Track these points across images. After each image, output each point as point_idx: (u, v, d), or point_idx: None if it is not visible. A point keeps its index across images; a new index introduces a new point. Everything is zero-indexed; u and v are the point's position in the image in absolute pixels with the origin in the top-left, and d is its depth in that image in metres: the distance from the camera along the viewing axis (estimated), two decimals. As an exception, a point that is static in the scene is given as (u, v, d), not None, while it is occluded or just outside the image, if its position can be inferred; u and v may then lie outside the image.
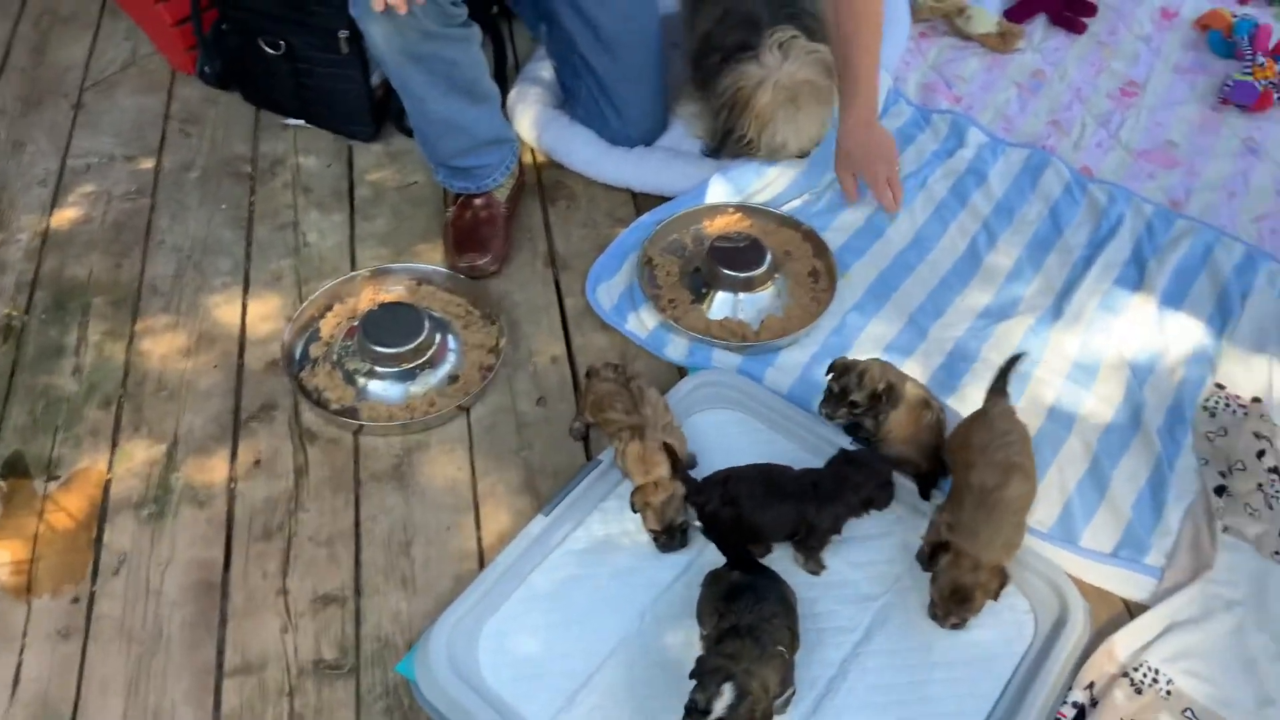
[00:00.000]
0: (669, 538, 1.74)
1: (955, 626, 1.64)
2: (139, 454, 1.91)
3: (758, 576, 1.60)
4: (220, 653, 1.67)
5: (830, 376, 1.85)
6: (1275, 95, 2.59)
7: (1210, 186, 2.44)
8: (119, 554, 1.77)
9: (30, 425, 1.95)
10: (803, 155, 2.35)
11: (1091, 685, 1.65)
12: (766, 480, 1.72)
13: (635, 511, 1.74)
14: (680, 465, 1.74)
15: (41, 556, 1.77)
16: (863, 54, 2.18)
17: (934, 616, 1.65)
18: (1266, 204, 2.40)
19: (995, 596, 1.63)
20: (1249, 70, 2.61)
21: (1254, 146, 2.53)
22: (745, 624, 1.51)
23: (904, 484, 1.82)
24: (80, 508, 1.83)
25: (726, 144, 2.33)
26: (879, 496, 1.71)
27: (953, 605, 1.60)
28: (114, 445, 1.92)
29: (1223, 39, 2.75)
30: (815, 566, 1.75)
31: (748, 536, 1.72)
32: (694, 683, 1.44)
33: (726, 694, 1.41)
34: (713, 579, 1.63)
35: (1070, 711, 1.63)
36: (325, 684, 1.63)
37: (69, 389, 2.01)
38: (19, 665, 1.64)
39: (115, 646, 1.67)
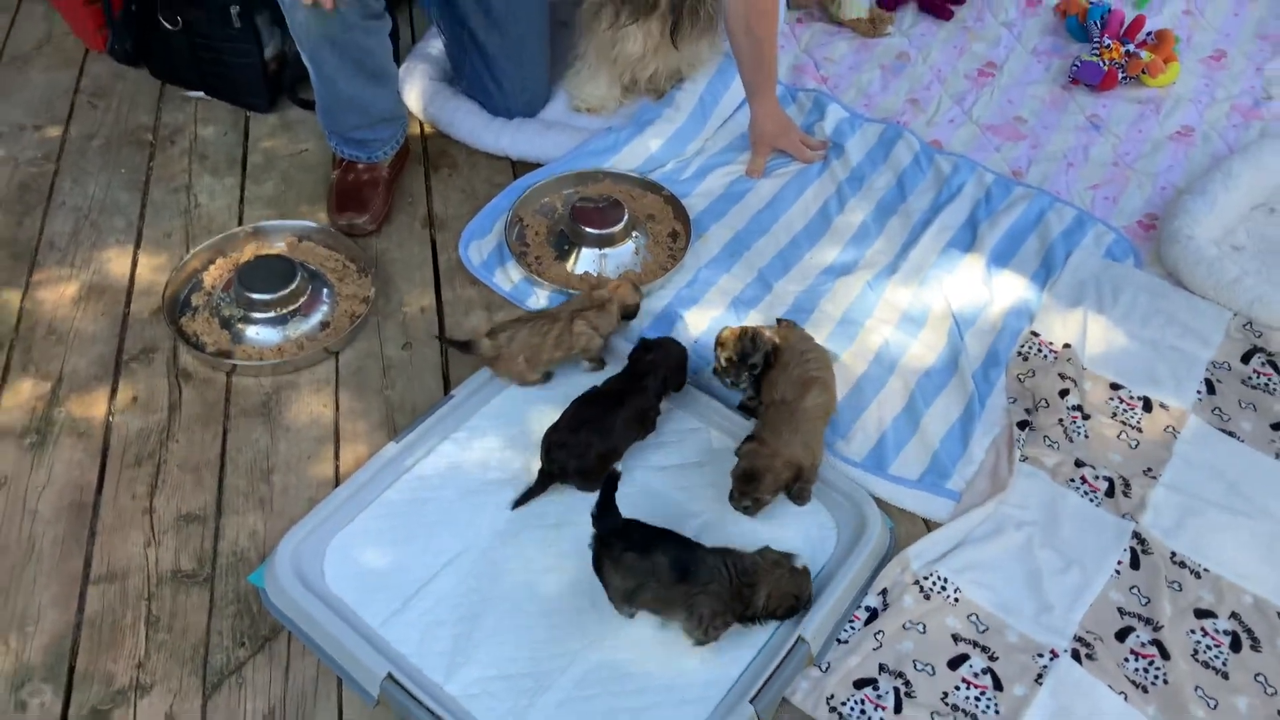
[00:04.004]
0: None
1: (747, 510, 1.80)
2: (26, 390, 2.05)
3: (644, 538, 1.70)
4: (87, 564, 1.81)
5: (720, 349, 1.97)
6: (1120, 75, 2.78)
7: (1051, 157, 2.62)
8: (1, 476, 1.91)
9: (-75, 365, 2.09)
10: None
11: (885, 591, 1.82)
12: (600, 407, 1.89)
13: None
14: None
15: (-73, 480, 1.91)
16: (770, 49, 2.43)
17: (731, 499, 1.81)
18: (1103, 174, 2.58)
19: (789, 489, 1.81)
20: (1096, 51, 2.80)
21: (1098, 123, 2.72)
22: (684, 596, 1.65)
23: (733, 419, 1.99)
24: (-34, 437, 1.97)
25: None
26: (672, 379, 1.95)
27: (744, 485, 1.77)
28: (3, 383, 2.07)
29: (1079, 23, 2.94)
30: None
31: (611, 460, 1.89)
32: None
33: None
34: (617, 561, 1.69)
35: (864, 614, 1.79)
36: (182, 590, 1.78)
37: (-36, 333, 2.15)
38: (-102, 573, 1.78)
39: (-11, 559, 1.81)
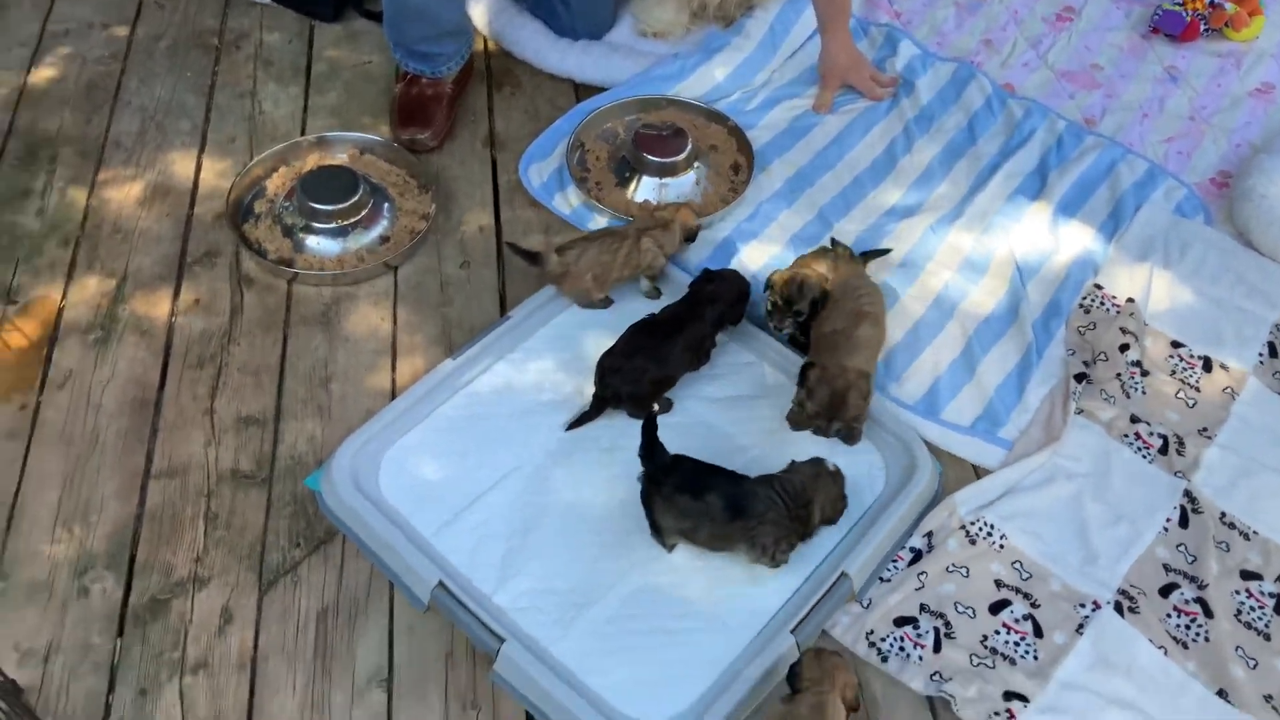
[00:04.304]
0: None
1: (847, 437, 1.81)
2: (91, 287, 2.09)
3: (695, 478, 1.70)
4: (149, 459, 1.85)
5: (768, 292, 1.97)
6: (1202, 26, 2.69)
7: (1126, 107, 2.55)
8: (66, 371, 1.96)
9: (-6, 257, 2.13)
10: None
11: (930, 534, 1.82)
12: (656, 334, 1.89)
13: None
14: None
15: (-5, 369, 1.96)
16: None
17: (818, 431, 1.81)
18: (1178, 127, 2.52)
19: (866, 399, 1.80)
20: (1179, 1, 2.71)
21: (1175, 74, 2.65)
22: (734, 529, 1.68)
23: (787, 354, 1.99)
24: (34, 330, 2.01)
25: None
26: (730, 312, 1.94)
27: (835, 410, 1.77)
28: (69, 278, 2.10)
29: (1163, -29, 2.84)
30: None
31: (664, 387, 1.91)
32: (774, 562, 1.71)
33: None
34: (668, 500, 1.69)
35: (907, 555, 1.80)
36: (240, 490, 1.82)
37: (32, 227, 2.18)
38: (-32, 458, 1.84)
39: (55, 449, 1.85)
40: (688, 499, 1.67)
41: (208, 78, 2.52)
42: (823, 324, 1.86)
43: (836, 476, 1.75)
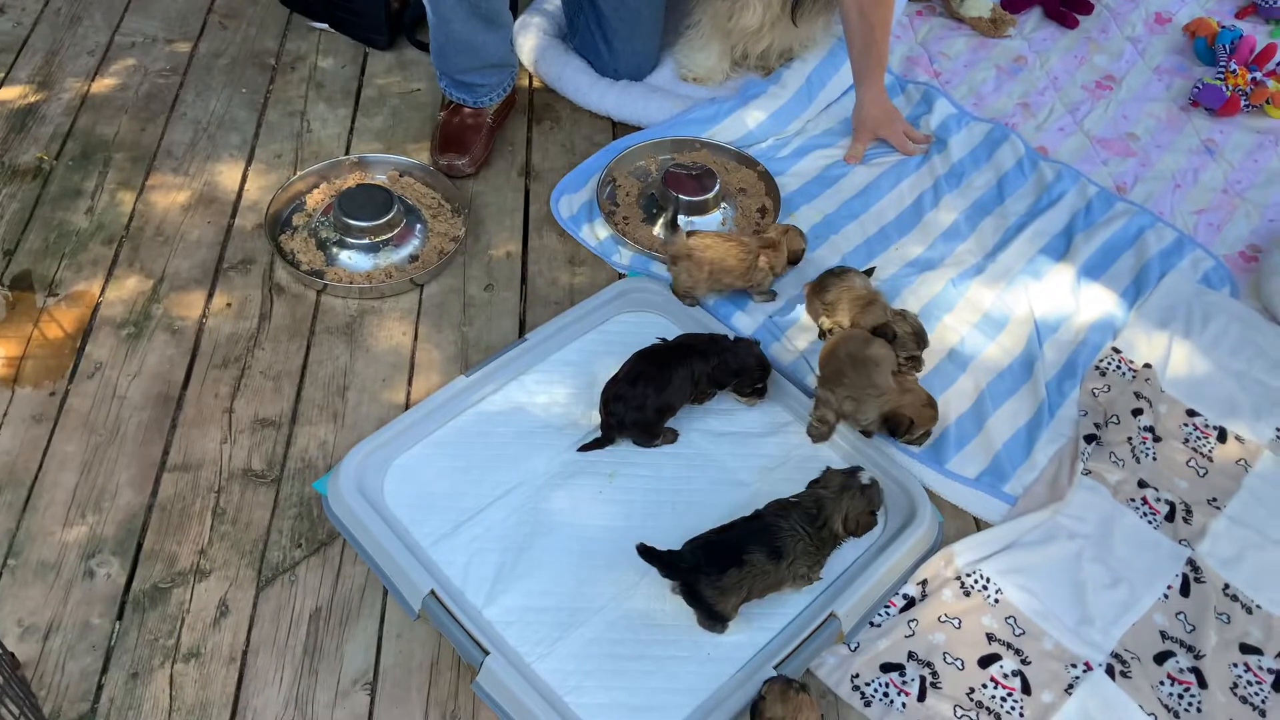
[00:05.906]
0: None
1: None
2: (130, 285, 2.17)
3: (725, 549, 1.69)
4: (165, 452, 1.91)
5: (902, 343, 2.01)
6: (1243, 102, 2.70)
7: (1159, 177, 2.56)
8: (96, 362, 2.03)
9: (42, 250, 2.22)
10: None
11: (925, 583, 1.82)
12: (658, 361, 1.92)
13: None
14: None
15: (31, 356, 2.03)
16: (884, 36, 2.43)
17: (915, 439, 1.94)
18: (1210, 199, 2.52)
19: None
20: (1220, 75, 2.72)
21: (1212, 148, 2.65)
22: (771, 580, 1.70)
23: (797, 395, 2.01)
24: (71, 321, 2.09)
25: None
26: (716, 374, 1.95)
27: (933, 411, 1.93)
28: (109, 276, 2.19)
29: (1207, 46, 2.85)
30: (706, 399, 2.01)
31: (667, 414, 1.94)
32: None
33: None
34: (719, 587, 1.66)
35: (900, 602, 1.80)
36: (249, 488, 1.87)
37: (80, 225, 2.28)
38: (-5, 439, 1.91)
39: (78, 435, 1.92)
40: (736, 571, 1.66)
41: (261, 95, 2.62)
42: (836, 349, 1.94)
43: (868, 490, 1.75)
